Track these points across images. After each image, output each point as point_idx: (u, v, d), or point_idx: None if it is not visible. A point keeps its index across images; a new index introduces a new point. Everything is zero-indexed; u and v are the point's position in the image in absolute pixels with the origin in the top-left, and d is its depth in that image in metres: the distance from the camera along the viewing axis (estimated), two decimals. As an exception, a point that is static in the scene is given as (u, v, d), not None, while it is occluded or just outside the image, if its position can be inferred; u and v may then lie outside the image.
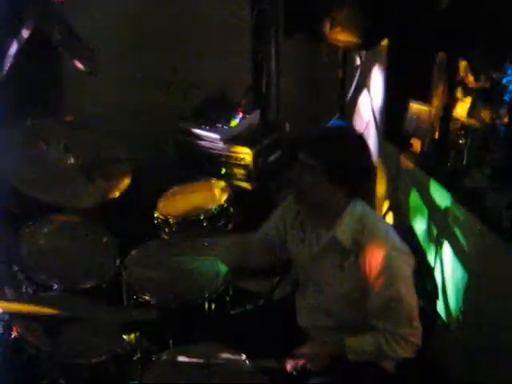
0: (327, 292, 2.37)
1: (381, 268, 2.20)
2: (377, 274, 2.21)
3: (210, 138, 3.78)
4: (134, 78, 3.97)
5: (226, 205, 3.19)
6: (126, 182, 2.87)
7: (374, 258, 2.21)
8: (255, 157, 3.74)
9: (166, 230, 3.13)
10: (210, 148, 3.79)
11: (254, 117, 3.94)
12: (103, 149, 2.97)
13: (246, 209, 3.30)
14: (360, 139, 2.38)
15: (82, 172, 2.83)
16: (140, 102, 4.01)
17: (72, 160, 2.83)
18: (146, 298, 2.65)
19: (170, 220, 3.12)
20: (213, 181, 3.39)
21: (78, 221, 2.98)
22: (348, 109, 3.89)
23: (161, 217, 3.15)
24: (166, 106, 3.94)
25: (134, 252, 2.90)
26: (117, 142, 3.05)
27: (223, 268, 2.76)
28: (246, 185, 3.75)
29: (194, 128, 3.80)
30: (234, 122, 3.83)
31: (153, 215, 3.17)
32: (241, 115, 3.87)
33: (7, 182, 2.80)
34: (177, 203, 3.27)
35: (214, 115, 3.87)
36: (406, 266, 2.26)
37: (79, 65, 3.27)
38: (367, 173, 2.37)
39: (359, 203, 2.30)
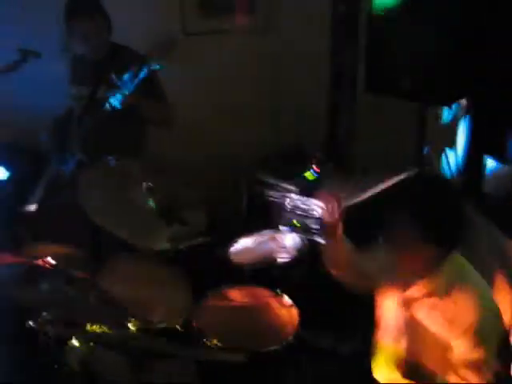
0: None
1: (470, 328, 2.09)
2: (464, 332, 2.10)
3: (284, 189, 3.78)
4: (212, 125, 4.06)
5: (299, 256, 3.17)
6: (202, 228, 2.89)
7: (463, 315, 2.11)
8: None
9: (238, 277, 3.13)
10: (284, 199, 3.78)
11: (329, 170, 3.94)
12: (182, 194, 3.01)
13: (319, 261, 3.26)
14: (451, 187, 2.30)
15: (161, 215, 2.87)
16: (217, 149, 4.09)
17: (152, 202, 2.89)
18: (217, 344, 2.63)
19: (242, 267, 3.12)
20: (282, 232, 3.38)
21: (153, 263, 3.00)
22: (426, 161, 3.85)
23: (233, 264, 3.15)
24: (244, 156, 4.00)
25: (205, 297, 2.89)
26: (196, 188, 3.09)
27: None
28: (319, 239, 3.70)
29: (269, 178, 3.82)
30: (310, 175, 3.84)
31: (224, 262, 3.18)
32: (316, 168, 3.88)
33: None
34: (248, 251, 3.27)
35: (289, 167, 3.89)
36: (497, 328, 2.16)
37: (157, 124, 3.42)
38: (463, 223, 2.16)
39: (456, 258, 2.20)
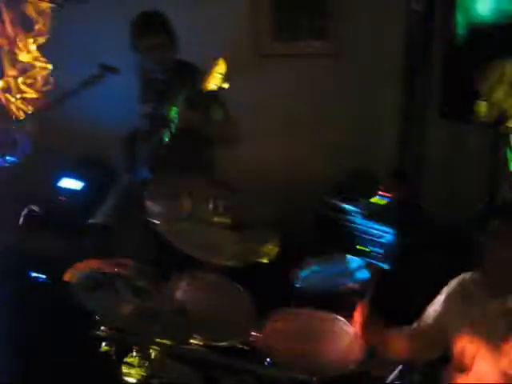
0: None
1: None
2: None
3: (350, 212, 3.75)
4: (282, 147, 4.07)
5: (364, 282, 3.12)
6: (272, 247, 2.87)
7: None
8: (395, 236, 3.65)
9: (303, 300, 3.09)
10: (350, 223, 3.75)
11: (397, 196, 3.87)
12: (252, 213, 3.01)
13: (383, 289, 3.20)
14: None
15: (230, 232, 2.87)
16: (288, 171, 4.08)
17: (222, 219, 2.90)
18: (281, 363, 2.60)
19: (307, 290, 3.09)
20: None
21: (220, 279, 3.00)
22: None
23: (298, 287, 3.13)
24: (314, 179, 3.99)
25: (271, 318, 2.88)
26: (266, 208, 3.09)
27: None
28: (384, 265, 3.66)
29: (336, 201, 3.79)
30: (376, 200, 3.79)
31: (291, 283, 3.16)
32: (383, 193, 3.83)
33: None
34: (315, 275, 3.24)
35: (355, 190, 3.85)
36: None
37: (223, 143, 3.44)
38: None
39: None
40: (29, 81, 2.73)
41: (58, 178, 4.17)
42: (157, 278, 3.05)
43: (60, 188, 4.13)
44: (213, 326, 2.74)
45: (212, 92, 3.29)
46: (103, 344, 2.51)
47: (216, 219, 2.88)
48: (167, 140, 3.44)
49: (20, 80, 2.71)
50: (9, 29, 2.66)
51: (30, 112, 2.75)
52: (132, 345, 2.50)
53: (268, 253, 2.82)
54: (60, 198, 4.09)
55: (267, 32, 4.27)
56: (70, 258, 3.24)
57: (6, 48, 2.62)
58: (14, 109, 2.72)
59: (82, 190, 4.27)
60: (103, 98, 3.91)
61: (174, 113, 3.37)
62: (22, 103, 2.70)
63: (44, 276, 3.95)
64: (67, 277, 2.71)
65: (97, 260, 3.00)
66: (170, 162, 3.49)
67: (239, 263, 2.81)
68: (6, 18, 2.61)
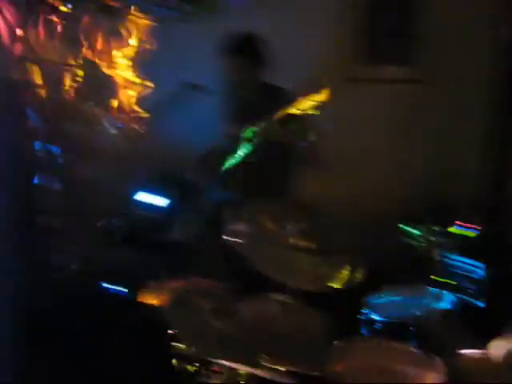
0: None
1: None
2: None
3: (436, 244, 3.63)
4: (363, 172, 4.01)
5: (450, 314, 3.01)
6: (350, 273, 2.81)
7: None
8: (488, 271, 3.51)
9: (374, 329, 3.03)
10: (436, 254, 3.63)
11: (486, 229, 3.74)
12: (334, 238, 2.96)
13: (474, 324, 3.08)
14: None
15: (310, 256, 2.83)
16: (369, 197, 4.02)
17: (300, 243, 2.85)
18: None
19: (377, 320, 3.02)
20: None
21: (295, 302, 2.95)
22: None
23: (371, 315, 3.06)
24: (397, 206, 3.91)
25: (343, 345, 2.80)
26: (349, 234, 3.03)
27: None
28: (476, 300, 3.51)
29: (422, 232, 3.67)
30: (454, 230, 3.68)
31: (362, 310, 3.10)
32: (467, 225, 3.70)
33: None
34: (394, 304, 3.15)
35: (438, 219, 3.73)
36: None
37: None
38: None
39: None
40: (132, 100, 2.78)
41: (137, 192, 4.21)
42: (233, 297, 3.04)
43: (138, 202, 4.17)
44: (285, 349, 2.67)
45: (300, 116, 3.29)
46: (185, 364, 2.50)
47: (294, 242, 2.85)
48: (249, 160, 3.44)
49: (131, 100, 2.76)
50: (103, 45, 2.70)
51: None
52: (213, 365, 2.47)
53: (345, 279, 2.77)
54: (138, 212, 4.12)
55: (355, 56, 4.24)
56: (145, 273, 3.28)
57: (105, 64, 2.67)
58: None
59: (159, 205, 4.30)
60: (185, 115, 3.95)
61: (257, 133, 3.37)
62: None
63: (118, 289, 4.00)
64: (147, 293, 2.70)
65: (175, 278, 3.01)
66: (250, 183, 3.49)
67: (315, 287, 2.78)
68: (100, 35, 2.65)
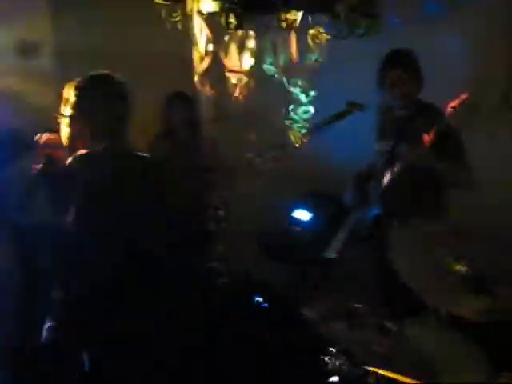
0: None
1: None
2: None
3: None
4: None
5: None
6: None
7: None
8: None
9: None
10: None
11: None
12: (493, 266, 2.85)
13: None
14: None
15: (468, 283, 2.74)
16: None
17: (459, 268, 2.78)
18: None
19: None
20: None
21: (454, 330, 2.86)
22: None
23: None
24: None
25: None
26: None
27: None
28: None
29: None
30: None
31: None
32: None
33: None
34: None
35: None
36: None
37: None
38: None
39: None
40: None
41: (294, 209, 4.30)
42: (393, 318, 3.01)
43: (295, 219, 4.24)
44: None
45: (451, 135, 3.22)
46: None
47: (455, 268, 2.77)
48: (401, 178, 3.40)
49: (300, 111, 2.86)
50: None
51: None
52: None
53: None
54: (292, 227, 4.20)
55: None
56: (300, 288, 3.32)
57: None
58: (292, 137, 2.88)
59: (311, 222, 4.35)
60: (338, 133, 3.97)
61: (410, 151, 3.33)
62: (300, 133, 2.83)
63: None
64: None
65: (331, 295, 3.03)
66: (403, 202, 3.45)
67: (475, 317, 2.67)
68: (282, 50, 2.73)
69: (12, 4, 4.34)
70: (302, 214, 4.30)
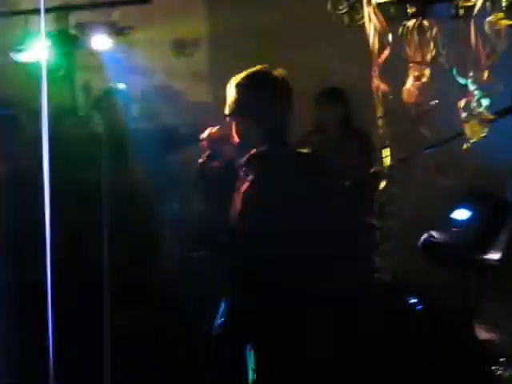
0: None
1: None
2: None
3: None
4: None
5: None
6: None
7: None
8: None
9: None
10: None
11: None
12: None
13: None
14: None
15: None
16: None
17: None
18: None
19: None
20: None
21: None
22: None
23: None
24: None
25: None
26: None
27: None
28: None
29: None
30: None
31: None
32: None
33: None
34: None
35: None
36: None
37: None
38: None
39: None
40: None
41: (456, 209, 4.10)
42: None
43: (456, 220, 4.05)
44: None
45: None
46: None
47: None
48: None
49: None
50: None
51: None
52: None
53: None
54: (453, 228, 4.00)
55: None
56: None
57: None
58: (468, 129, 2.71)
59: (471, 222, 4.13)
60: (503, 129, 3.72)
61: None
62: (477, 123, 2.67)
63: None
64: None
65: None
66: None
67: None
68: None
69: (170, 3, 4.46)
70: (463, 214, 4.09)
